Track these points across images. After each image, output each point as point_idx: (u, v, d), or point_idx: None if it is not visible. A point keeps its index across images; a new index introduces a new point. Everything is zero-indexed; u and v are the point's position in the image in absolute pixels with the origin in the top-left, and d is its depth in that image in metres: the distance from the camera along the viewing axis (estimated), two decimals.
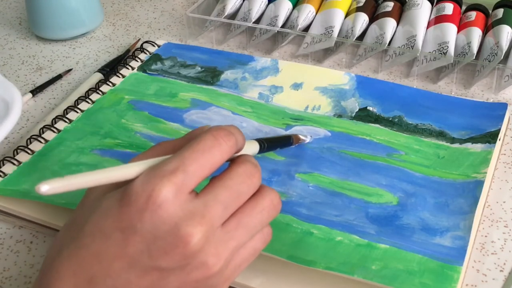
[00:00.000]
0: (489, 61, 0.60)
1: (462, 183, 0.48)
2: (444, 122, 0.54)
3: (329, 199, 0.47)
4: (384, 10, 0.67)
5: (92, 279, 0.32)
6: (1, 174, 0.51)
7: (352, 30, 0.65)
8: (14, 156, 0.53)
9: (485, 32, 0.64)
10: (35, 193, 0.48)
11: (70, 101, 0.60)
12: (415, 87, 0.61)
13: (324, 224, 0.45)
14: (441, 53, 0.62)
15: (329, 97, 0.58)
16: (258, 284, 0.42)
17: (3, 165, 0.52)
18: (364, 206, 0.46)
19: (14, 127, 0.59)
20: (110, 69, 0.64)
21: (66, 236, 0.34)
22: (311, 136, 0.53)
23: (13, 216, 0.49)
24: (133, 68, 0.63)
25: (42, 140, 0.54)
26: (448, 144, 0.52)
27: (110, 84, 0.61)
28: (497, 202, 0.49)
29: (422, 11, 0.66)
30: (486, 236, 0.46)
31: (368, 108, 0.56)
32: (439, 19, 0.65)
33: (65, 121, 0.56)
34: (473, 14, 0.66)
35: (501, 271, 0.43)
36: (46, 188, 0.30)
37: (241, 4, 0.71)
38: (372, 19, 0.67)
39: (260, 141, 0.41)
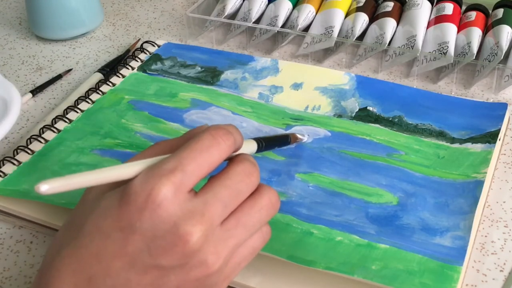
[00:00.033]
0: (489, 61, 0.60)
1: (462, 183, 0.48)
2: (444, 122, 0.54)
3: (329, 199, 0.47)
4: (384, 10, 0.67)
5: (91, 279, 0.32)
6: (1, 174, 0.51)
7: (352, 30, 0.65)
8: (14, 156, 0.53)
9: (485, 32, 0.64)
10: (35, 193, 0.48)
11: (70, 101, 0.60)
12: (415, 87, 0.61)
13: (324, 224, 0.45)
14: (441, 53, 0.62)
15: (329, 97, 0.58)
16: (256, 283, 0.42)
17: (3, 165, 0.52)
18: (364, 206, 0.46)
19: (14, 127, 0.59)
20: (110, 69, 0.64)
21: (65, 235, 0.34)
22: (308, 135, 0.53)
23: (13, 216, 0.49)
24: (133, 68, 0.63)
25: (42, 140, 0.54)
26: (448, 144, 0.52)
27: (110, 84, 0.61)
28: (497, 202, 0.49)
29: (422, 11, 0.66)
30: (486, 236, 0.46)
31: (368, 108, 0.56)
32: (439, 19, 0.65)
33: (65, 121, 0.56)
34: (473, 14, 0.66)
35: (501, 271, 0.43)
36: (45, 187, 0.30)
37: (241, 4, 0.71)
38: (372, 19, 0.67)
39: (258, 140, 0.41)
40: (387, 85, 0.59)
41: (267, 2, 0.71)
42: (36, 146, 0.54)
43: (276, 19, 0.68)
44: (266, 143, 0.41)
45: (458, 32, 0.64)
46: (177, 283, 0.33)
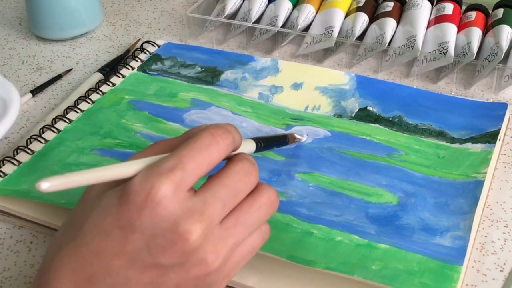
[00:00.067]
0: (489, 61, 0.60)
1: (462, 183, 0.48)
2: (444, 122, 0.54)
3: (329, 199, 0.47)
4: (384, 10, 0.67)
5: (91, 277, 0.32)
6: (1, 174, 0.51)
7: (352, 30, 0.65)
8: (14, 156, 0.53)
9: (485, 32, 0.64)
10: (35, 193, 0.48)
11: (70, 101, 0.60)
12: (415, 87, 0.61)
13: (324, 224, 0.45)
14: (441, 53, 0.62)
15: (329, 97, 0.58)
16: (254, 282, 0.42)
17: (3, 165, 0.52)
18: (364, 206, 0.46)
19: (14, 127, 0.59)
20: (110, 69, 0.64)
21: (65, 235, 0.34)
22: (307, 135, 0.53)
23: (13, 216, 0.49)
24: (133, 68, 0.63)
25: (42, 140, 0.54)
26: (448, 144, 0.52)
27: (110, 84, 0.61)
28: (497, 202, 0.49)
29: (422, 11, 0.66)
30: (486, 236, 0.46)
31: (368, 108, 0.56)
32: (439, 19, 0.65)
33: (65, 121, 0.56)
34: (473, 14, 0.66)
35: (501, 271, 0.43)
36: (46, 185, 0.30)
37: (241, 4, 0.71)
38: (372, 19, 0.67)
39: (257, 140, 0.41)
40: (387, 85, 0.59)
41: (267, 2, 0.71)
42: (36, 146, 0.54)
43: (276, 19, 0.68)
44: (264, 143, 0.42)
45: (458, 32, 0.64)
46: (177, 282, 0.33)
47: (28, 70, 0.68)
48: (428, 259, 0.41)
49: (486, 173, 0.48)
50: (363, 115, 0.55)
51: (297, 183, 0.48)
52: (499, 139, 0.52)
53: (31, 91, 0.64)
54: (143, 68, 0.63)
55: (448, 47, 0.62)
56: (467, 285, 0.42)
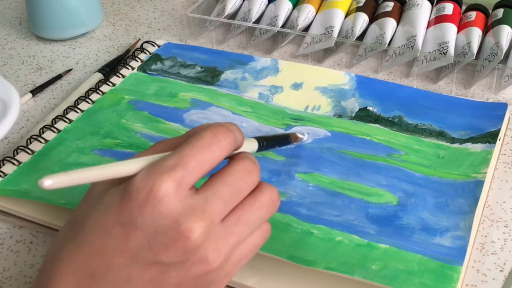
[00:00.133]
0: (489, 61, 0.60)
1: (462, 183, 0.48)
2: (444, 122, 0.54)
3: (329, 199, 0.47)
4: (384, 10, 0.67)
5: (93, 275, 0.32)
6: (1, 174, 0.51)
7: (352, 30, 0.65)
8: (14, 156, 0.53)
9: (485, 32, 0.64)
10: (35, 193, 0.48)
11: (70, 101, 0.60)
12: (415, 87, 0.61)
13: (324, 224, 0.45)
14: (441, 53, 0.62)
15: (329, 97, 0.58)
16: (254, 282, 0.42)
17: (3, 165, 0.52)
18: (364, 206, 0.46)
19: (14, 127, 0.59)
20: (110, 69, 0.64)
21: (66, 234, 0.34)
22: (308, 134, 0.53)
23: (13, 216, 0.49)
24: (133, 68, 0.63)
25: (42, 140, 0.54)
26: (448, 144, 0.52)
27: (110, 84, 0.61)
28: (497, 202, 0.49)
29: (422, 11, 0.66)
30: (486, 236, 0.46)
31: (368, 108, 0.56)
32: (439, 19, 0.65)
33: (65, 121, 0.56)
34: (473, 14, 0.66)
35: (501, 271, 0.43)
36: (49, 182, 0.30)
37: (241, 4, 0.71)
38: (372, 19, 0.67)
39: (259, 139, 0.41)
40: (387, 85, 0.59)
41: (267, 2, 0.71)
42: (36, 146, 0.54)
43: (276, 19, 0.68)
44: (267, 142, 0.41)
45: (458, 32, 0.64)
46: (178, 280, 0.33)
47: (28, 70, 0.68)
48: (428, 259, 0.41)
49: (486, 173, 0.48)
50: (363, 115, 0.55)
51: (297, 183, 0.48)
52: (499, 139, 0.52)
53: (31, 91, 0.64)
54: (143, 68, 0.63)
55: (448, 47, 0.62)
56: (467, 285, 0.42)
